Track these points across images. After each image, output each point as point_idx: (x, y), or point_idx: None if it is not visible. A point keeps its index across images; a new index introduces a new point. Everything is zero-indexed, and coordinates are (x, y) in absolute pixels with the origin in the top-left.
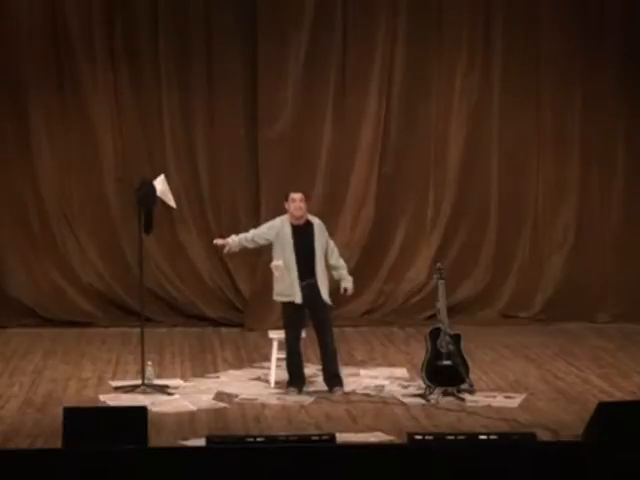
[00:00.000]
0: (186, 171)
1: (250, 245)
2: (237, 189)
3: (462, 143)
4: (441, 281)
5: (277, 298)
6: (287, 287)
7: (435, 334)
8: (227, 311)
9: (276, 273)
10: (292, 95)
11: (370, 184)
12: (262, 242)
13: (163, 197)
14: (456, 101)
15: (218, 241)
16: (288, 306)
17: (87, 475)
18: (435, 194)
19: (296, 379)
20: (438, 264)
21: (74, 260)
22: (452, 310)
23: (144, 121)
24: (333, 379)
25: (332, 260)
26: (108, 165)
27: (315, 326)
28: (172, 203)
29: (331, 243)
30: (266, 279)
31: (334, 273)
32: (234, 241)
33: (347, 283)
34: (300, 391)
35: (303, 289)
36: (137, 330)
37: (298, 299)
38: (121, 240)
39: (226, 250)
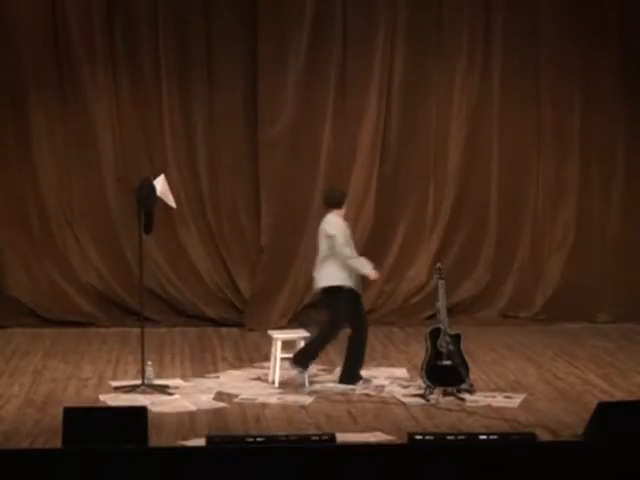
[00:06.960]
0: (186, 171)
1: None
2: (237, 189)
3: (462, 143)
4: (441, 281)
5: None
6: None
7: (435, 334)
8: (227, 311)
9: None
10: (292, 95)
11: (370, 184)
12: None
13: (163, 197)
14: (456, 101)
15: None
16: None
17: (87, 475)
18: (435, 194)
19: (306, 363)
20: (438, 264)
21: (74, 260)
22: (452, 310)
23: (144, 121)
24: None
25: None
26: (108, 165)
27: None
28: (172, 203)
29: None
30: (266, 279)
31: None
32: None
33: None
34: (303, 371)
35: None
36: (137, 330)
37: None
38: (121, 240)
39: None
